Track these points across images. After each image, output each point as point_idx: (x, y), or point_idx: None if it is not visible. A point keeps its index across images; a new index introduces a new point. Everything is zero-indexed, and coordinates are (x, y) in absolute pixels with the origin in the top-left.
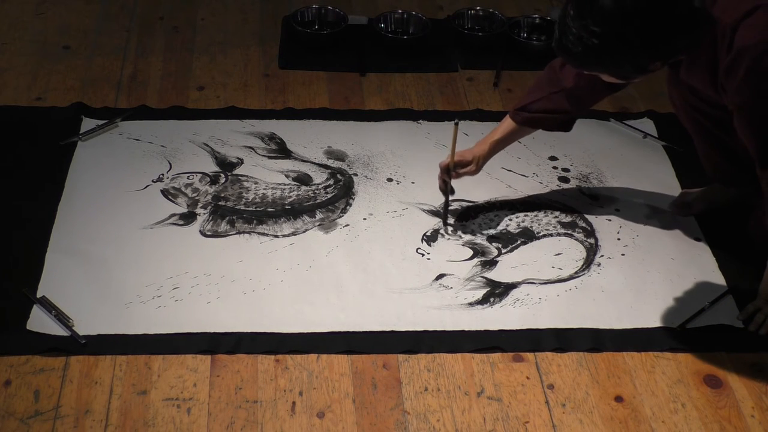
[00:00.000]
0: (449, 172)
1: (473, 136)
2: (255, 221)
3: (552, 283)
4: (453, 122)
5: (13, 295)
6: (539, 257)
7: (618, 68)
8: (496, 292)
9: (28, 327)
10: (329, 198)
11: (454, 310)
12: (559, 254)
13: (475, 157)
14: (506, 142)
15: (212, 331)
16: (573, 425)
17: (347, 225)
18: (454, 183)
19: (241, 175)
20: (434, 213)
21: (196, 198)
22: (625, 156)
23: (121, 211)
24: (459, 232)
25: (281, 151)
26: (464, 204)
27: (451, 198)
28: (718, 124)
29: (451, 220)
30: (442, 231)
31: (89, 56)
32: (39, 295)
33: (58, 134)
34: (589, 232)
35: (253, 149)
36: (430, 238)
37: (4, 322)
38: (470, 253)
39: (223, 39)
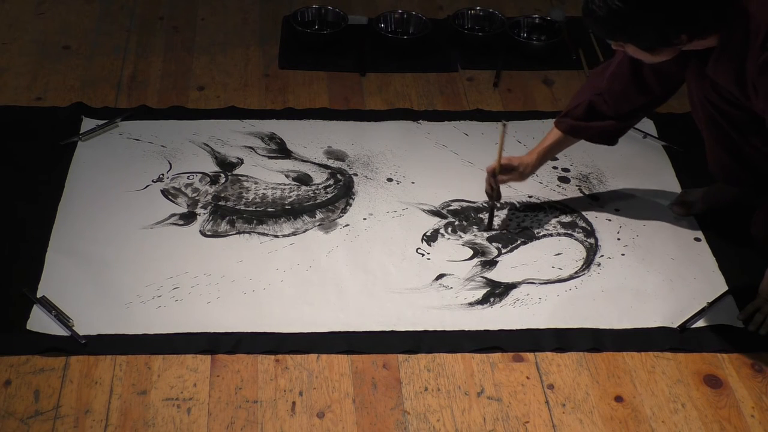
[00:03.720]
0: (495, 176)
1: (473, 136)
2: (255, 221)
3: (552, 283)
4: (501, 123)
5: (13, 295)
6: (539, 257)
7: (642, 36)
8: (496, 292)
9: (28, 327)
10: (329, 198)
11: (454, 310)
12: (559, 254)
13: (522, 164)
14: (553, 151)
15: (212, 331)
16: (573, 425)
17: (347, 225)
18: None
19: (241, 175)
20: (434, 213)
21: (196, 198)
22: (625, 156)
23: (121, 211)
24: (459, 233)
25: (281, 151)
26: (464, 204)
27: (494, 204)
28: (733, 123)
29: (495, 224)
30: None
31: (89, 56)
32: (39, 295)
33: (58, 134)
34: (589, 232)
35: (253, 149)
36: (430, 238)
37: (4, 322)
38: (470, 253)
39: (223, 39)
